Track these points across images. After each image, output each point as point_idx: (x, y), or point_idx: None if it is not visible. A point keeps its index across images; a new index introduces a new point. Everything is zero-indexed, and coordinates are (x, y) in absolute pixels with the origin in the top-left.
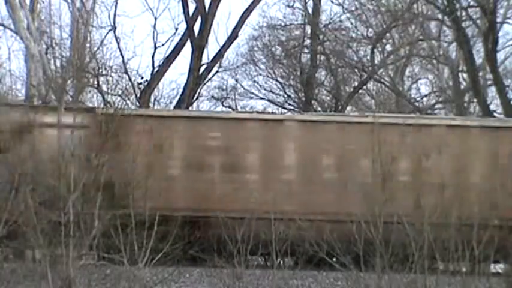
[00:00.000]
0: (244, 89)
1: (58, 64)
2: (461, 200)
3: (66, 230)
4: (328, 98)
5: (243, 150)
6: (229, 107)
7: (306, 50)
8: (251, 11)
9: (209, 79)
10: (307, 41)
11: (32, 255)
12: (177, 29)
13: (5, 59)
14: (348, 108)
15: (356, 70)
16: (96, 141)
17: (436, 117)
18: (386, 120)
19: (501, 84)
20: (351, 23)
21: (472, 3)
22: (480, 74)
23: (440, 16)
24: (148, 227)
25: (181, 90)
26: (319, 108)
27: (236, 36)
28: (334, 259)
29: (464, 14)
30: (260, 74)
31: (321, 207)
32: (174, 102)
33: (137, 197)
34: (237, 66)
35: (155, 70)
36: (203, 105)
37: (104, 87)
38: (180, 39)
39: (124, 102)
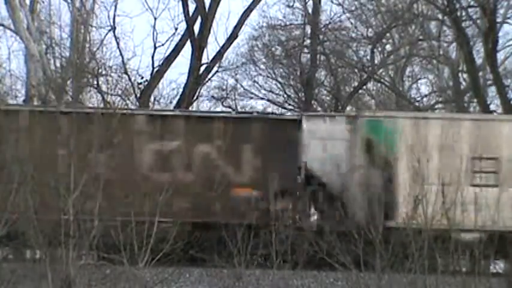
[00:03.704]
0: (244, 89)
1: (58, 64)
2: None
3: (66, 230)
4: (328, 98)
5: None
6: (229, 107)
7: (306, 50)
8: (251, 11)
9: (209, 79)
10: (307, 41)
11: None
12: (176, 29)
13: (5, 59)
14: (348, 108)
15: (356, 70)
16: None
17: None
18: None
19: (501, 84)
20: (351, 23)
21: (472, 3)
22: (480, 74)
23: (440, 16)
24: None
25: (181, 90)
26: (319, 108)
27: (236, 36)
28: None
29: (464, 14)
30: (260, 74)
31: None
32: (174, 102)
33: None
34: (237, 66)
35: (155, 70)
36: (203, 105)
37: (104, 87)
38: (180, 39)
39: (124, 103)
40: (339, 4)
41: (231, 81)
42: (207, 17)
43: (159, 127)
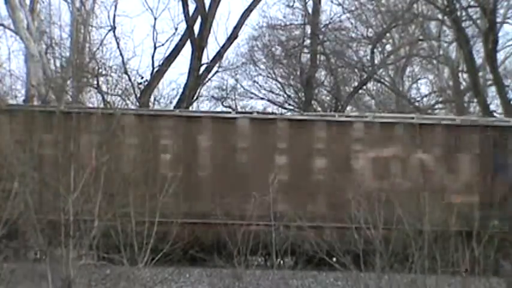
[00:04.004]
0: (244, 89)
1: (58, 64)
2: None
3: (66, 230)
4: (328, 98)
5: None
6: (229, 107)
7: (306, 50)
8: (251, 11)
9: (209, 79)
10: (307, 41)
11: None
12: (176, 29)
13: (5, 59)
14: (348, 108)
15: (356, 70)
16: None
17: None
18: None
19: (501, 84)
20: (351, 23)
21: (472, 3)
22: (480, 74)
23: (440, 16)
24: None
25: (181, 90)
26: (319, 108)
27: (236, 36)
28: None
29: (464, 14)
30: (260, 74)
31: None
32: (174, 102)
33: None
34: (237, 66)
35: (155, 70)
36: (203, 105)
37: (104, 87)
38: (180, 39)
39: (124, 103)
40: (339, 4)
41: (231, 81)
42: (207, 17)
43: (377, 134)
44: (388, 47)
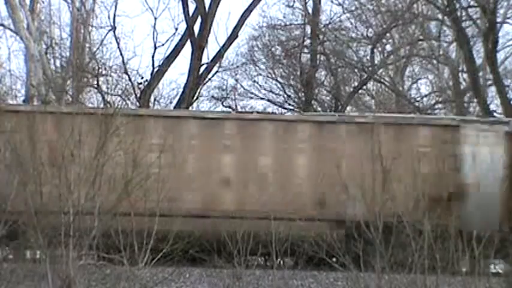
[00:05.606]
0: (244, 89)
1: (58, 64)
2: None
3: (66, 230)
4: (328, 98)
5: None
6: (229, 107)
7: (306, 50)
8: (251, 11)
9: (209, 79)
10: (307, 41)
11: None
12: (177, 29)
13: (5, 59)
14: (348, 108)
15: (356, 70)
16: None
17: None
18: None
19: (501, 84)
20: (351, 23)
21: (472, 3)
22: (480, 74)
23: (440, 16)
24: None
25: (181, 90)
26: (319, 108)
27: (236, 36)
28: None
29: (464, 14)
30: (260, 74)
31: None
32: (174, 102)
33: None
34: (237, 66)
35: (155, 70)
36: (203, 105)
37: (104, 87)
38: (180, 39)
39: (124, 102)
40: (339, 4)
41: (231, 81)
42: (207, 17)
43: None
44: (388, 47)
